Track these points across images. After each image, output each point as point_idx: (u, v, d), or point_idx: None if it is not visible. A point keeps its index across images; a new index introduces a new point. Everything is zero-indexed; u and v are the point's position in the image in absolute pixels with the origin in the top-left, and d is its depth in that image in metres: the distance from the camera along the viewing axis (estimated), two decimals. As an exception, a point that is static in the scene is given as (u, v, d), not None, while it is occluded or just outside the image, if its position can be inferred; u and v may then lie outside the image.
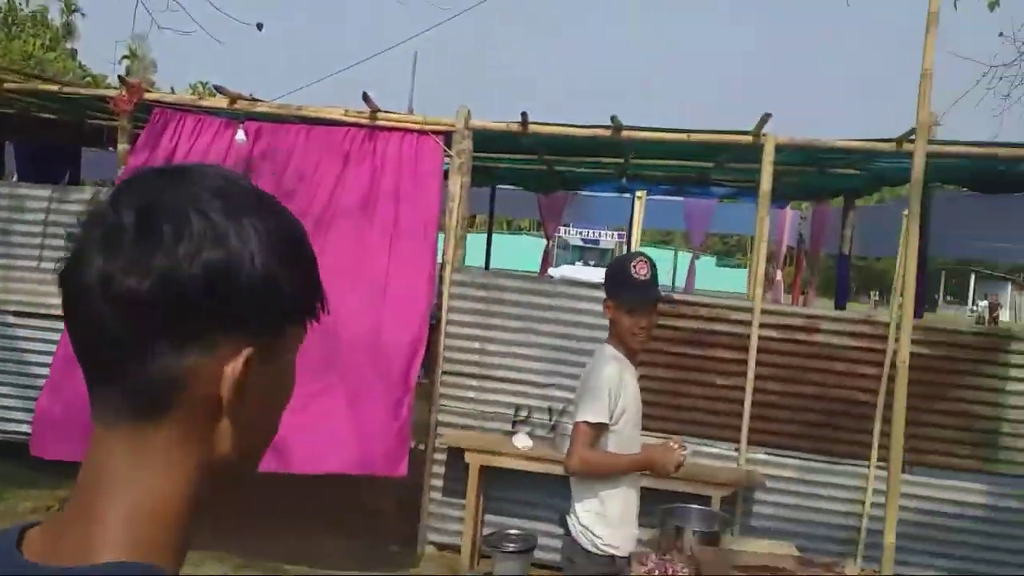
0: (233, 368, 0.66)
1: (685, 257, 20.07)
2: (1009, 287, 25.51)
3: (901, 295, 3.35)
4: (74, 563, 0.62)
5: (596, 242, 40.82)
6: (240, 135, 5.45)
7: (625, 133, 5.65)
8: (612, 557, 3.04)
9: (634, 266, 3.04)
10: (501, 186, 12.05)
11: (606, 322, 3.19)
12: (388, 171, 5.62)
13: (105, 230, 0.64)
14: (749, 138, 5.56)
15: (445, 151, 5.67)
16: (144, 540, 0.64)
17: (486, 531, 5.41)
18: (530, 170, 9.26)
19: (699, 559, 3.14)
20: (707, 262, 25.11)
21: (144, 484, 0.65)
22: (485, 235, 13.73)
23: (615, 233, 29.68)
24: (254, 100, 5.90)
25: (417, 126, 5.68)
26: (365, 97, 5.54)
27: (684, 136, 5.66)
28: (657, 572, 3.25)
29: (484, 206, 12.49)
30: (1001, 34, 6.34)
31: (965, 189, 7.24)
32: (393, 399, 5.20)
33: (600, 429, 2.99)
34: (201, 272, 0.63)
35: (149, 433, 0.65)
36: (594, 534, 3.03)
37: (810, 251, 10.95)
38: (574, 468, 2.99)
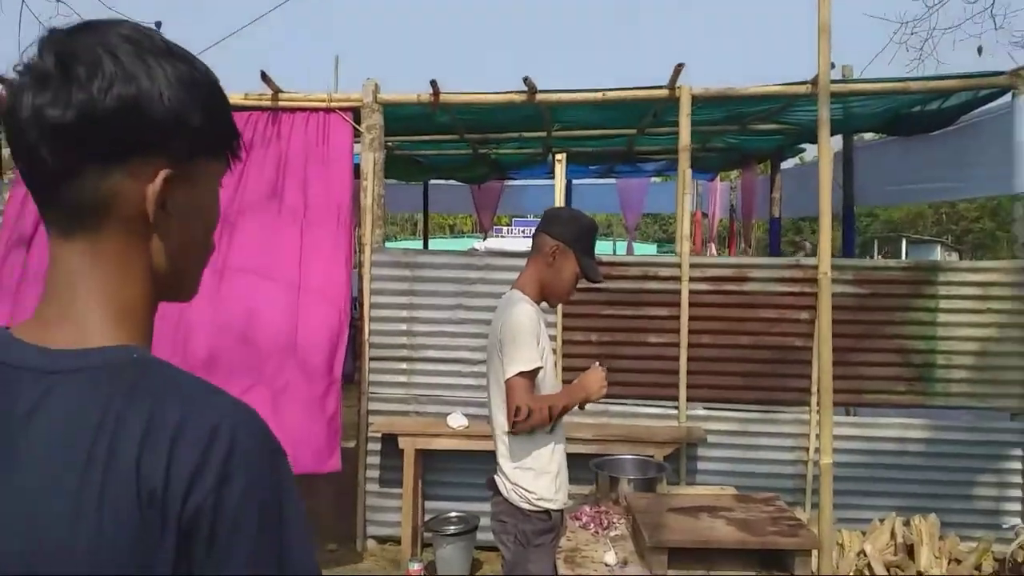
0: (153, 188, 0.77)
1: (621, 247, 20.14)
2: (939, 249, 26.23)
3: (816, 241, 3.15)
4: (76, 347, 0.76)
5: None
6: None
7: (540, 96, 5.50)
8: (547, 512, 2.86)
9: (596, 237, 2.99)
10: (433, 181, 11.84)
11: None
12: (294, 155, 5.36)
13: (34, 74, 0.74)
14: (664, 92, 5.46)
15: (355, 127, 5.44)
16: (123, 331, 0.78)
17: (427, 518, 5.20)
18: (457, 156, 9.06)
19: (634, 507, 2.98)
20: (647, 250, 25.23)
21: (108, 287, 0.78)
22: (421, 242, 13.52)
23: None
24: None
25: (323, 104, 5.44)
26: (264, 76, 5.28)
27: (599, 95, 5.54)
28: (592, 525, 3.09)
29: (419, 203, 12.25)
30: None
31: (884, 136, 7.29)
32: (317, 394, 4.95)
33: (535, 375, 2.81)
34: (114, 104, 0.74)
35: (98, 245, 0.78)
36: (526, 490, 2.84)
37: (743, 219, 11.02)
38: (522, 424, 2.79)
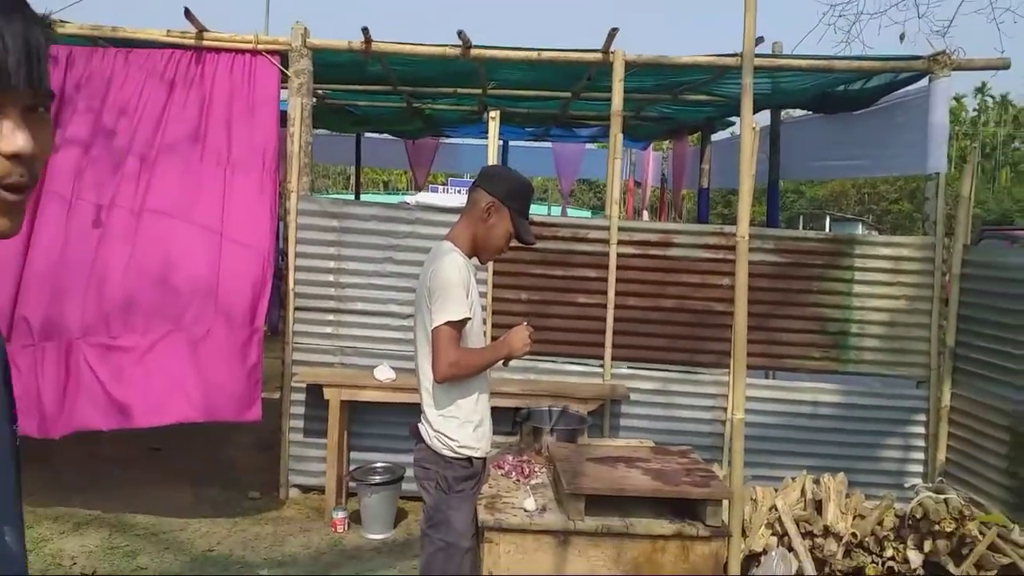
0: None
1: (556, 211, 20.25)
2: (860, 226, 27.21)
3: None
4: None
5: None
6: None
7: (474, 52, 5.42)
8: (469, 459, 2.87)
9: (531, 199, 3.00)
10: (367, 134, 11.61)
11: None
12: (218, 97, 5.16)
13: None
14: (599, 55, 5.46)
15: (283, 72, 5.27)
16: None
17: (351, 468, 5.18)
18: (391, 108, 8.89)
19: (555, 456, 3.03)
20: (582, 216, 25.41)
21: None
22: (353, 196, 13.27)
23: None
24: (61, 21, 5.27)
25: (250, 46, 5.24)
26: (187, 13, 5.05)
27: (534, 54, 5.50)
28: (513, 474, 3.13)
29: (352, 156, 11.98)
30: None
31: (809, 113, 7.47)
32: (239, 343, 4.85)
33: (462, 325, 2.80)
34: None
35: None
36: (449, 438, 2.84)
37: (673, 189, 11.18)
38: (446, 373, 2.77)
